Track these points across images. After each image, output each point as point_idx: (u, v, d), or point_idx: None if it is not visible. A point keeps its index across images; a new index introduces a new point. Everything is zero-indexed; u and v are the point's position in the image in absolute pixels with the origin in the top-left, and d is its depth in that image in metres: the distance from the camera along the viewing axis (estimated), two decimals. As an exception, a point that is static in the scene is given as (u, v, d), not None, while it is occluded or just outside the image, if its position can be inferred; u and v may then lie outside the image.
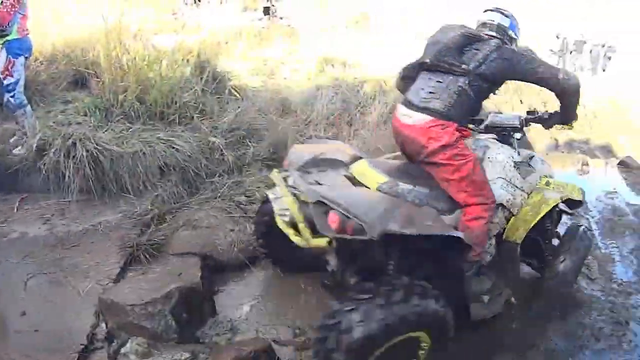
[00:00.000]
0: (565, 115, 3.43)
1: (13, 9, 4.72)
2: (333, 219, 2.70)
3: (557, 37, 21.71)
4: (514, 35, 3.31)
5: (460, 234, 2.81)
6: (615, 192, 6.12)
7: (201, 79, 6.58)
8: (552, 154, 8.87)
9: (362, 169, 3.25)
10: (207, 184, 5.04)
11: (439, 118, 3.01)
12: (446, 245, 2.85)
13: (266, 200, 3.63)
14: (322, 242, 2.77)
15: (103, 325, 3.26)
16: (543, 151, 8.87)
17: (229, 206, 4.62)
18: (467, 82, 3.05)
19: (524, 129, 3.73)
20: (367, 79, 8.85)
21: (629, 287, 4.10)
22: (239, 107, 6.47)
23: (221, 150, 5.44)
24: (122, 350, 3.11)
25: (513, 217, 3.45)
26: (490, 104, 8.70)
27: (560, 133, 10.11)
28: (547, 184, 3.72)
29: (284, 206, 3.19)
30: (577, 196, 3.76)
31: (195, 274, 3.64)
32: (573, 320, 3.67)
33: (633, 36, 24.51)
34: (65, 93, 6.33)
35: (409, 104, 3.18)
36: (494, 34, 3.22)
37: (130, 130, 5.20)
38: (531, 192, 3.56)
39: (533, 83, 3.18)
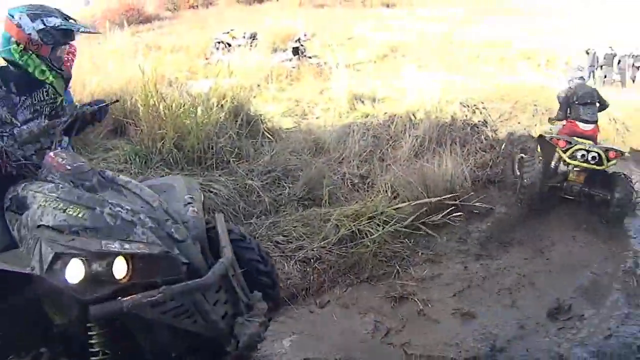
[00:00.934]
0: None
1: (73, 61, 4.78)
2: None
3: (587, 52, 21.67)
4: None
5: None
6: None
7: (236, 122, 6.85)
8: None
9: None
10: (245, 225, 5.17)
11: None
12: None
13: None
14: None
15: None
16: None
17: (267, 246, 4.75)
18: None
19: None
20: (397, 113, 9.05)
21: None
22: (273, 149, 6.69)
23: (258, 192, 5.64)
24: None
25: None
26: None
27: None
28: None
29: None
30: None
31: None
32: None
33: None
34: (106, 141, 6.60)
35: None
36: None
37: (170, 176, 5.32)
38: None
39: None
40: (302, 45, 15.14)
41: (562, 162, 6.77)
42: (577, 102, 7.02)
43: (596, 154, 6.45)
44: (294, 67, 13.44)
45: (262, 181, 5.91)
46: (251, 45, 14.98)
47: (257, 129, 7.16)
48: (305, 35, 16.02)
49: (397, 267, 4.97)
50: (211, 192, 5.28)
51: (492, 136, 9.05)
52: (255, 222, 5.26)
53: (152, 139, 5.99)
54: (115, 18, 26.69)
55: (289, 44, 16.19)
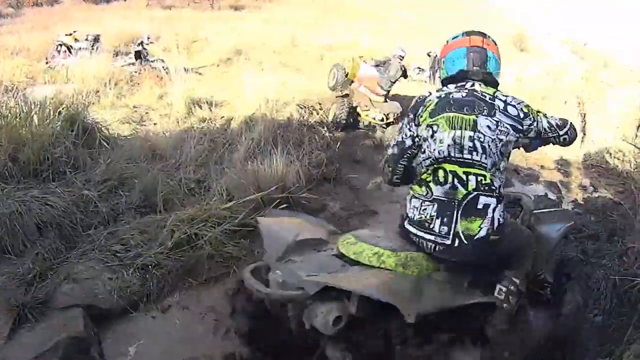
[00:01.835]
0: None
1: None
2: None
3: (429, 54, 23.02)
4: None
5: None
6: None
7: (72, 131, 6.74)
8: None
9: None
10: (84, 236, 5.24)
11: None
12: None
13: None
14: None
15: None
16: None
17: (106, 256, 4.90)
18: None
19: None
20: (234, 116, 9.35)
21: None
22: (109, 158, 6.67)
23: (95, 203, 5.67)
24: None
25: None
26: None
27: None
28: None
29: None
30: None
31: (79, 324, 3.94)
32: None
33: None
34: None
35: None
36: None
37: (5, 190, 5.32)
38: None
39: None
40: (144, 48, 14.98)
41: None
42: None
43: None
44: (135, 72, 13.34)
45: (99, 191, 5.92)
46: (93, 48, 14.64)
47: (93, 138, 7.11)
48: (148, 38, 15.84)
49: (234, 267, 5.22)
50: (47, 205, 5.24)
51: (329, 136, 9.51)
52: (93, 233, 5.29)
53: None
54: (-50, 13, 25.04)
55: (132, 47, 16.00)
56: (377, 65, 10.74)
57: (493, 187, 3.00)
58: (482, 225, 2.92)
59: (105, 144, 7.22)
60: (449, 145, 3.04)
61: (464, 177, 2.99)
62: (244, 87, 9.90)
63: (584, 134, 13.11)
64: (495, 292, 3.04)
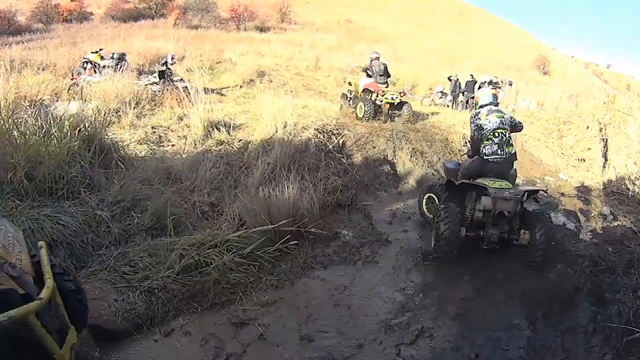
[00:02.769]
0: None
1: None
2: None
3: (449, 79, 23.08)
4: None
5: None
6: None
7: (89, 151, 6.80)
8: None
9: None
10: (94, 256, 5.28)
11: None
12: None
13: None
14: None
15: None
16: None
17: (114, 277, 4.93)
18: None
19: None
20: (252, 139, 9.33)
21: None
22: (124, 179, 6.73)
23: (107, 223, 5.71)
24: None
25: None
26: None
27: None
28: None
29: None
30: None
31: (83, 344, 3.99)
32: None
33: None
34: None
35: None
36: None
37: (20, 208, 5.38)
38: None
39: None
40: (168, 68, 15.17)
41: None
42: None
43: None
44: (158, 91, 13.44)
45: (111, 211, 5.96)
46: (118, 66, 14.79)
47: (110, 158, 7.16)
48: (173, 58, 16.06)
49: (240, 293, 5.24)
50: (59, 224, 5.29)
51: (346, 161, 9.45)
52: (103, 253, 5.34)
53: (4, 168, 5.87)
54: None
55: (156, 67, 16.19)
56: (366, 72, 13.96)
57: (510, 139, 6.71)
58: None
59: (121, 164, 7.26)
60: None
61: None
62: (264, 110, 9.86)
63: (605, 160, 12.94)
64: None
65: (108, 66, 15.24)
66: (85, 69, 16.24)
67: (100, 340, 4.26)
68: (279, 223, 6.11)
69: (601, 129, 13.96)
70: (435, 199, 7.53)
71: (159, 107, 12.00)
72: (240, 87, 17.57)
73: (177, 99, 11.79)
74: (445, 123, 12.91)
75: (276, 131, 9.27)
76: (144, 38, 25.35)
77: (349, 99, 14.40)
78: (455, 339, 4.90)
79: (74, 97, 11.20)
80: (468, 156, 7.19)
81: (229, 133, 9.78)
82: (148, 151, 8.90)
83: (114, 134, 8.31)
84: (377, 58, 14.21)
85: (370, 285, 5.85)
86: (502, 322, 5.19)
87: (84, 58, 16.91)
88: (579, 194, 11.04)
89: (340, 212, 7.85)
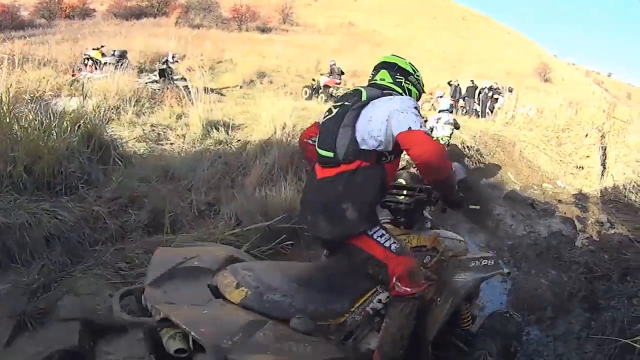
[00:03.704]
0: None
1: None
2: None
3: (450, 84, 23.16)
4: None
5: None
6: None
7: (88, 147, 6.79)
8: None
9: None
10: (90, 252, 5.29)
11: None
12: None
13: None
14: None
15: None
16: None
17: (109, 273, 4.94)
18: None
19: None
20: (251, 140, 9.36)
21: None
22: (122, 176, 6.71)
23: (104, 219, 5.72)
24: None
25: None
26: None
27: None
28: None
29: None
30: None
31: (74, 338, 4.05)
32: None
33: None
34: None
35: None
36: None
37: (18, 201, 5.36)
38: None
39: None
40: (169, 67, 15.21)
41: None
42: None
43: None
44: (158, 90, 13.49)
45: (109, 208, 5.96)
46: (119, 64, 14.79)
47: (109, 154, 7.15)
48: (173, 57, 16.12)
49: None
50: (57, 218, 5.29)
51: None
52: (100, 249, 5.35)
53: (4, 161, 5.84)
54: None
55: (157, 65, 16.23)
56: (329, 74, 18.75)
57: None
58: None
59: (119, 161, 7.25)
60: None
61: None
62: (263, 111, 9.89)
63: (604, 168, 12.98)
64: None
65: (109, 63, 15.27)
66: (86, 65, 16.29)
67: (93, 335, 4.32)
68: (275, 219, 6.14)
69: (601, 137, 14.01)
70: None
71: (158, 105, 12.05)
72: (241, 87, 17.65)
73: (177, 98, 11.84)
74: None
75: (275, 132, 9.29)
76: (146, 36, 25.33)
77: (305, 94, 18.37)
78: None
79: (74, 93, 11.22)
80: None
81: (227, 133, 9.81)
82: (147, 149, 8.92)
83: (113, 131, 8.30)
84: (334, 63, 20.35)
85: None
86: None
87: (85, 54, 16.97)
88: (577, 201, 11.08)
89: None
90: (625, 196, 11.14)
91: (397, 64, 3.51)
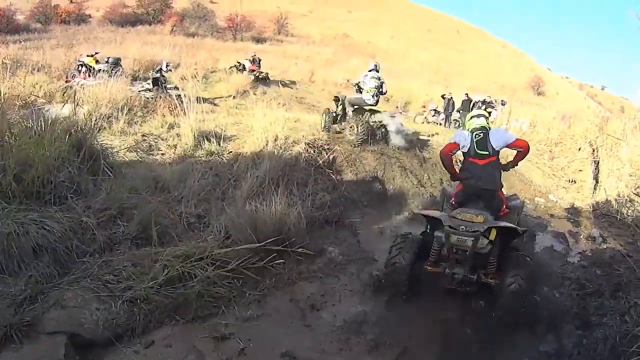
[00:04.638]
0: None
1: None
2: None
3: (443, 97, 23.21)
4: None
5: None
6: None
7: (78, 156, 6.72)
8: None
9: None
10: (78, 263, 5.25)
11: None
12: None
13: None
14: None
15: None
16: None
17: (97, 285, 4.88)
18: None
19: None
20: (242, 151, 9.31)
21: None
22: (111, 186, 6.68)
23: (92, 230, 5.67)
24: None
25: None
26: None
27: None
28: None
29: None
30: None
31: (60, 352, 4.01)
32: None
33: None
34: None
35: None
36: None
37: (6, 210, 5.32)
38: None
39: None
40: (163, 76, 15.16)
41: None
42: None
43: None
44: (151, 98, 13.42)
45: (97, 219, 5.93)
46: (112, 71, 14.73)
47: (99, 164, 7.09)
48: (167, 65, 16.08)
49: (223, 307, 5.21)
50: (45, 229, 5.24)
51: (335, 177, 9.42)
52: (87, 261, 5.30)
53: None
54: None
55: (150, 73, 16.17)
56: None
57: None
58: None
59: (109, 171, 7.19)
60: None
61: None
62: (255, 122, 9.86)
63: (596, 182, 12.98)
64: None
65: (103, 70, 15.21)
66: (80, 72, 16.22)
67: (79, 349, 4.27)
68: (266, 241, 6.06)
69: (593, 150, 14.01)
70: None
71: (151, 114, 11.97)
72: (234, 97, 17.58)
73: (169, 107, 11.78)
74: (438, 141, 12.85)
75: (267, 144, 9.24)
76: (141, 43, 25.34)
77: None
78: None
79: (67, 100, 11.14)
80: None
81: (219, 144, 9.73)
82: (137, 159, 8.86)
83: (104, 140, 8.24)
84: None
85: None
86: (485, 343, 5.12)
87: (79, 61, 16.91)
88: (569, 215, 11.05)
89: (328, 229, 7.81)
90: (617, 210, 11.11)
91: None
